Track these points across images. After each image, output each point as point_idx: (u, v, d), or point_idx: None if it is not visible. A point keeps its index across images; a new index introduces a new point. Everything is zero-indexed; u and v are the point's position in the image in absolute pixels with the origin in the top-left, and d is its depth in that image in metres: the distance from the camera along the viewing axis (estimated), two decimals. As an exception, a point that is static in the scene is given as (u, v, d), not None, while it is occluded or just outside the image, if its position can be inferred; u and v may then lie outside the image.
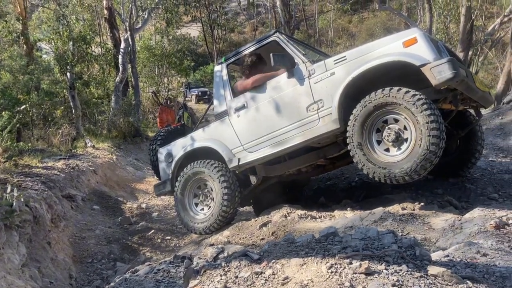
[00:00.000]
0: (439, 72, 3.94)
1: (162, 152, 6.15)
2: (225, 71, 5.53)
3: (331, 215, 4.99)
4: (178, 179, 5.71)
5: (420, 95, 3.98)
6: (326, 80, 4.57)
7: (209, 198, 5.56)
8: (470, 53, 16.73)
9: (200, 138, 5.68)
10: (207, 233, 5.45)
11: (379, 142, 4.27)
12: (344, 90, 4.40)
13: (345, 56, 4.52)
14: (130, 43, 16.28)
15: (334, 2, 34.75)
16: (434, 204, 4.71)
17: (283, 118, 4.87)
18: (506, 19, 15.54)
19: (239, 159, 5.26)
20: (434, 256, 2.97)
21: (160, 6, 17.62)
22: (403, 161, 4.04)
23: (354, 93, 4.41)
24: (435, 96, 4.24)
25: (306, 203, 5.93)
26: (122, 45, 16.54)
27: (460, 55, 14.99)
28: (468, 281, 2.46)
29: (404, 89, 4.03)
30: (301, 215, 4.97)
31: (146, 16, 18.09)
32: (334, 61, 4.57)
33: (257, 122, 5.09)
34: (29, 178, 6.34)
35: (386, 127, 4.19)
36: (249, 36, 41.46)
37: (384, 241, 2.78)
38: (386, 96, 4.10)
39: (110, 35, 19.41)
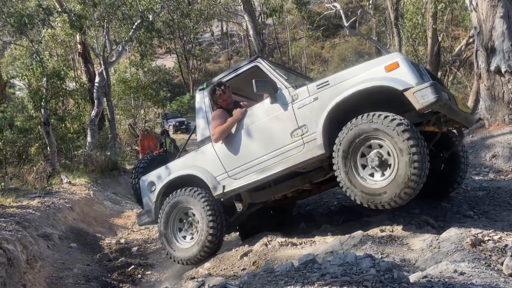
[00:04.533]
0: (422, 96, 3.95)
1: (144, 181, 6.02)
2: (207, 97, 5.48)
3: (311, 240, 4.98)
4: (162, 208, 5.59)
5: (402, 120, 3.96)
6: (309, 105, 4.56)
7: (194, 226, 5.44)
8: (439, 73, 17.26)
9: (183, 165, 5.59)
10: (193, 263, 5.29)
11: (364, 167, 4.24)
12: (328, 116, 4.39)
13: (327, 81, 4.51)
14: (105, 76, 16.28)
15: (306, 29, 35.50)
16: (412, 225, 4.73)
17: (267, 143, 4.84)
18: (471, 40, 16.12)
19: (224, 186, 5.17)
20: (413, 277, 2.99)
21: (134, 39, 17.70)
22: (387, 187, 4.02)
23: (338, 118, 4.40)
24: (419, 119, 4.26)
25: (287, 230, 5.92)
26: (97, 79, 16.53)
27: (430, 76, 15.42)
28: (446, 302, 2.48)
29: (386, 115, 4.03)
30: (281, 242, 4.94)
31: (120, 49, 18.16)
32: (317, 86, 4.56)
33: (242, 148, 5.05)
34: (3, 219, 6.18)
35: (371, 152, 4.17)
36: (224, 65, 41.92)
37: (362, 266, 2.79)
38: (370, 122, 4.08)
39: (85, 70, 19.41)
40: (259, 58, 5.20)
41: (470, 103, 12.60)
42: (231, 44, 45.08)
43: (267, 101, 4.91)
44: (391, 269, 2.76)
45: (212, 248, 5.21)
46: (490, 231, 4.05)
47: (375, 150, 4.15)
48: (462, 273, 3.07)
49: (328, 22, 39.90)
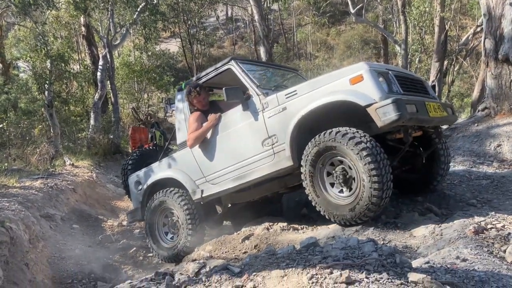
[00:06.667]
0: (384, 114, 3.85)
1: (132, 180, 6.16)
2: (186, 98, 5.45)
3: (313, 226, 4.99)
4: (147, 207, 5.72)
5: (364, 141, 3.90)
6: (278, 115, 4.50)
7: (176, 226, 5.55)
8: (445, 62, 17.11)
9: (165, 167, 5.67)
10: (176, 261, 5.40)
11: (330, 183, 4.25)
12: (295, 127, 4.34)
13: (295, 91, 4.43)
14: (109, 59, 16.20)
15: (312, 15, 35.21)
16: (415, 212, 4.73)
17: (241, 151, 4.84)
18: (478, 29, 15.96)
19: (202, 191, 5.24)
20: (415, 263, 2.99)
21: (138, 23, 17.58)
22: (351, 205, 4.04)
23: (308, 128, 4.37)
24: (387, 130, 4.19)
25: (289, 215, 5.91)
26: (101, 62, 16.45)
27: (436, 65, 15.33)
28: (448, 287, 2.48)
29: (350, 136, 3.97)
30: (283, 227, 4.95)
31: (124, 32, 18.05)
32: (286, 95, 4.48)
33: (217, 154, 5.06)
34: (6, 199, 6.20)
35: (336, 168, 4.17)
36: (229, 50, 41.69)
37: (364, 250, 2.79)
38: (332, 140, 4.04)
39: (88, 52, 19.36)
40: (232, 61, 5.11)
41: (476, 93, 12.48)
42: (236, 29, 44.77)
43: (240, 107, 4.86)
44: (394, 253, 2.76)
45: (192, 247, 5.27)
46: (493, 219, 4.05)
47: (339, 167, 4.14)
48: (464, 260, 3.07)
49: (334, 8, 39.59)
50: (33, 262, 5.34)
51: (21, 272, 4.95)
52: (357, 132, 4.00)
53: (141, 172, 6.04)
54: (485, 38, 8.16)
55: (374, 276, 2.45)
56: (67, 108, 17.07)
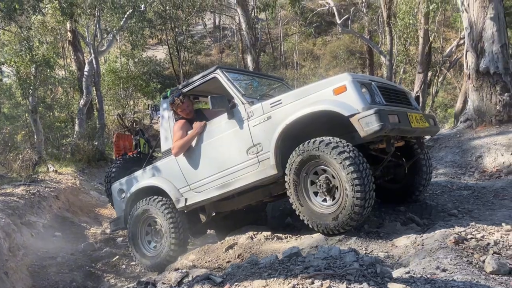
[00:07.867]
0: (366, 124, 3.90)
1: (115, 188, 6.12)
2: (170, 107, 5.45)
3: (297, 235, 5.00)
4: (130, 215, 5.67)
5: (347, 150, 3.97)
6: (263, 124, 4.54)
7: (160, 235, 5.52)
8: (429, 73, 17.37)
9: (148, 175, 5.64)
10: (159, 270, 5.35)
11: (314, 191, 4.29)
12: (280, 136, 4.38)
13: (280, 100, 4.47)
14: (95, 65, 16.11)
15: (299, 25, 35.46)
16: (397, 222, 4.78)
17: (226, 159, 4.86)
18: (462, 41, 16.25)
19: (186, 199, 5.23)
20: (396, 273, 3.01)
21: (125, 29, 17.53)
22: (334, 214, 4.08)
23: (292, 137, 4.41)
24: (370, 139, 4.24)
25: (273, 224, 5.92)
26: (86, 67, 16.35)
27: (420, 76, 15.57)
28: (427, 297, 2.51)
29: (332, 144, 4.02)
30: (267, 236, 4.95)
31: (111, 38, 17.97)
32: (271, 104, 4.53)
33: (202, 163, 5.07)
34: (-14, 206, 6.11)
35: (319, 177, 4.22)
36: (216, 58, 41.67)
37: (346, 260, 2.81)
38: (316, 149, 4.09)
39: (74, 58, 19.21)
40: (218, 69, 5.14)
41: (458, 104, 12.71)
42: (223, 37, 44.82)
43: (225, 115, 4.88)
44: (375, 263, 2.78)
45: (176, 256, 5.25)
46: (473, 229, 4.10)
47: (323, 176, 4.19)
48: (444, 270, 3.10)
49: (321, 19, 39.85)
50: (12, 270, 5.26)
51: (0, 281, 4.87)
52: (340, 141, 4.05)
53: (124, 180, 6.00)
54: (467, 51, 8.32)
55: (354, 286, 2.47)
56: (51, 114, 16.91)
